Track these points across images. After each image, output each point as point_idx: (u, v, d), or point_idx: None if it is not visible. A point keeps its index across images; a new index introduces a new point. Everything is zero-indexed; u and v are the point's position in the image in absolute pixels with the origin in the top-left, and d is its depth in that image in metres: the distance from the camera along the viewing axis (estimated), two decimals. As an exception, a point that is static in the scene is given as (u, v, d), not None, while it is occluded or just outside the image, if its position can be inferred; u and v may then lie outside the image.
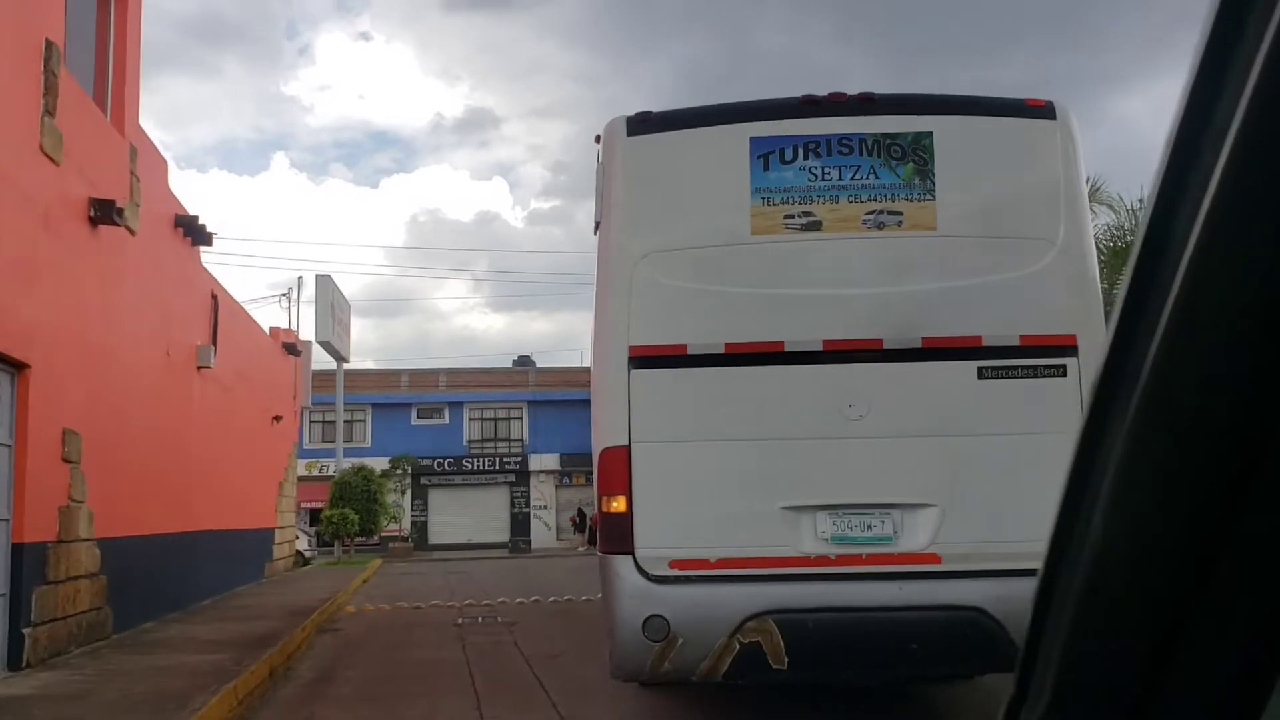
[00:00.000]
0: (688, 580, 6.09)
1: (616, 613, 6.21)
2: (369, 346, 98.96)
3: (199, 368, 15.46)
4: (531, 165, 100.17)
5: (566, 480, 46.63)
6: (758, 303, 6.38)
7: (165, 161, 13.82)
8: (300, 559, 33.12)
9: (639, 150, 6.64)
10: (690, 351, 6.35)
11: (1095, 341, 6.06)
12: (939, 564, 6.03)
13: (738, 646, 5.94)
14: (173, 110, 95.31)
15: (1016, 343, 6.24)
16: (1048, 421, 5.96)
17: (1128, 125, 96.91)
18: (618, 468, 6.27)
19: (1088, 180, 16.18)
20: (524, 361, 51.63)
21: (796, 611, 5.98)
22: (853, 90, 6.60)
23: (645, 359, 6.34)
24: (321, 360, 35.96)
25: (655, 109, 6.75)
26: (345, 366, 37.22)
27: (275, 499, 23.35)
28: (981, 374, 6.21)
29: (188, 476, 14.93)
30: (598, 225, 6.89)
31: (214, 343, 16.15)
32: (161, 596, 13.37)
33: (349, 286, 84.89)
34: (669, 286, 6.39)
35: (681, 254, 6.49)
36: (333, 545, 31.64)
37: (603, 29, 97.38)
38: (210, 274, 16.48)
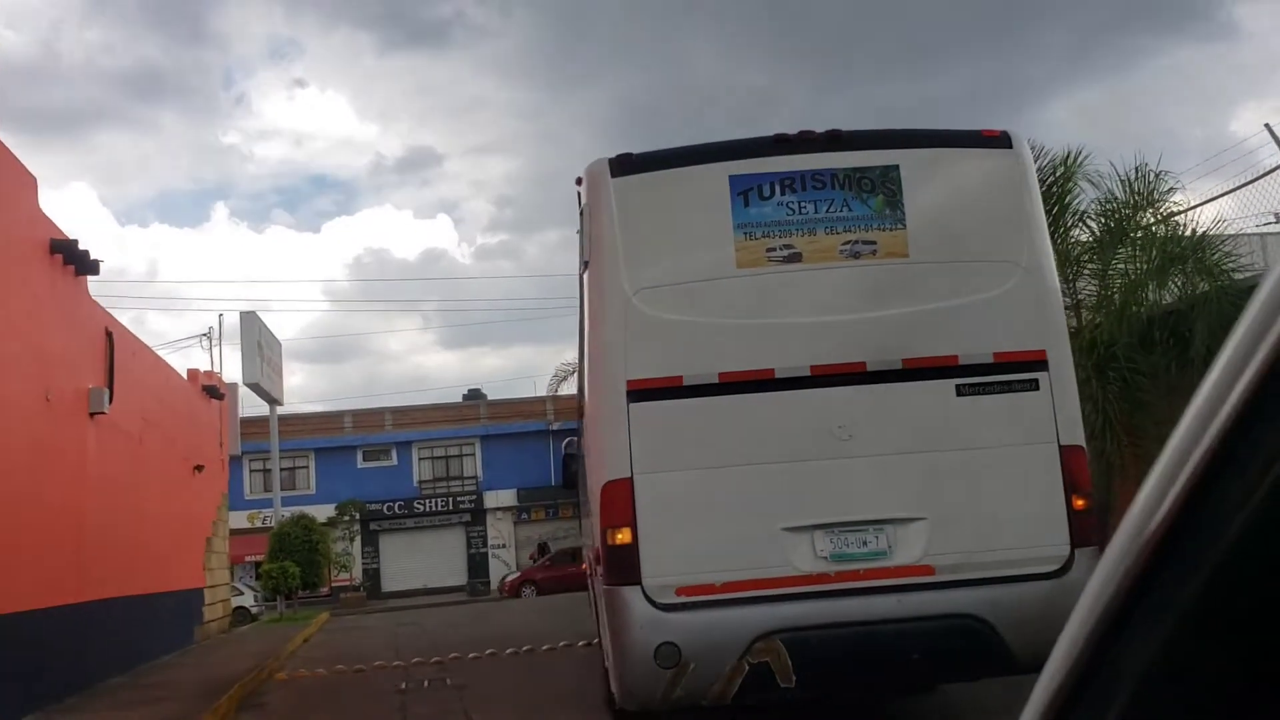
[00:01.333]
0: (696, 606, 6.22)
1: (626, 642, 6.35)
2: (319, 393, 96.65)
3: (92, 414, 13.54)
4: (476, 201, 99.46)
5: (524, 516, 44.71)
6: (747, 332, 6.61)
7: (33, 178, 11.97)
8: (248, 616, 31.03)
9: (625, 191, 6.81)
10: (686, 382, 6.53)
11: (1063, 355, 6.69)
12: (933, 575, 6.26)
13: (747, 668, 6.09)
14: (112, 167, 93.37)
15: (990, 360, 6.53)
16: (1022, 433, 6.43)
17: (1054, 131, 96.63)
18: (621, 500, 6.40)
19: (1069, 155, 15.15)
20: (474, 395, 49.64)
21: (802, 629, 6.16)
22: (820, 128, 6.91)
23: (643, 392, 6.50)
24: (257, 405, 33.93)
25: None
26: (280, 410, 35.23)
27: (203, 556, 21.29)
28: (960, 391, 6.49)
29: (81, 539, 12.99)
30: (585, 265, 7.04)
31: (110, 385, 14.23)
32: (47, 682, 11.41)
33: (294, 331, 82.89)
34: (662, 320, 6.57)
35: (672, 289, 6.68)
36: (277, 601, 29.44)
37: (537, 64, 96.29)
38: (103, 309, 14.60)
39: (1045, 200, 14.83)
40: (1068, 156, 15.01)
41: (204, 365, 24.07)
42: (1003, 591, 6.07)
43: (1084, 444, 6.65)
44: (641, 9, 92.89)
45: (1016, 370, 6.55)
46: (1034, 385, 6.50)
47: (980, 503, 6.41)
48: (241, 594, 34.24)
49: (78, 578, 12.72)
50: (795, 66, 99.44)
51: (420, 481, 45.47)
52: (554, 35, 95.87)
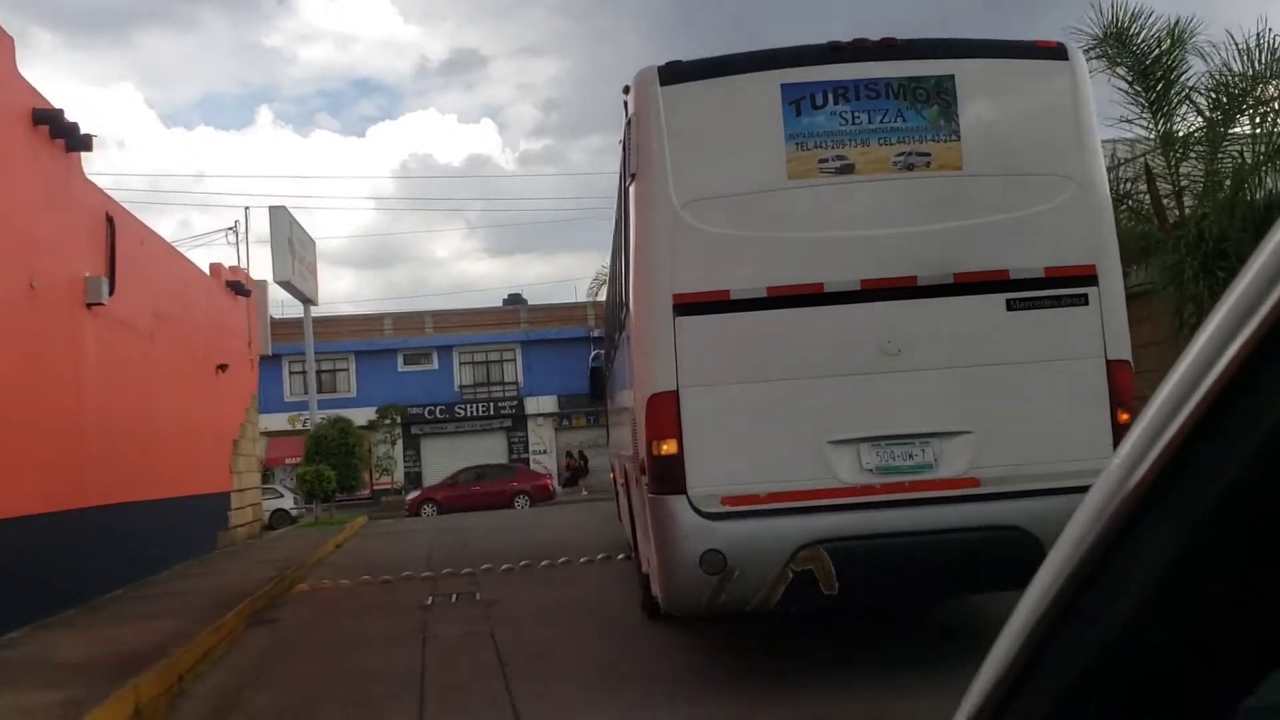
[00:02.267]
0: (740, 515, 6.30)
1: (672, 550, 6.42)
2: (366, 299, 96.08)
3: (89, 305, 12.44)
4: (521, 105, 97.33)
5: (565, 423, 43.86)
6: (797, 245, 6.57)
7: (10, 38, 10.66)
8: (287, 518, 30.50)
9: (674, 100, 6.68)
10: (733, 296, 6.50)
11: (1113, 270, 6.62)
12: (978, 487, 6.32)
13: (791, 575, 6.19)
14: (157, 69, 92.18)
15: (1041, 274, 6.50)
16: (1072, 348, 6.45)
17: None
18: (666, 412, 6.44)
19: (1178, 24, 13.38)
20: (514, 300, 48.47)
21: (846, 539, 6.23)
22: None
23: (690, 306, 6.49)
24: (297, 306, 32.95)
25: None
26: (319, 312, 34.37)
27: (229, 459, 20.46)
28: (1010, 306, 6.48)
29: (79, 440, 12.00)
30: (632, 176, 6.89)
31: (111, 275, 13.10)
32: (40, 594, 10.50)
33: (340, 237, 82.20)
34: (710, 234, 6.51)
35: (721, 201, 6.60)
36: (313, 504, 28.83)
37: None
38: (103, 192, 13.39)
39: (1148, 76, 13.29)
40: (1175, 26, 13.26)
41: (234, 263, 22.93)
42: (1047, 503, 6.01)
43: (1130, 359, 6.58)
44: None
45: (1067, 285, 6.53)
46: (1083, 300, 6.50)
47: (1026, 417, 6.42)
48: (281, 497, 33.84)
49: (75, 482, 11.76)
50: None
51: (461, 386, 44.65)
52: None
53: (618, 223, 8.82)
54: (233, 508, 20.39)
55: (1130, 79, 13.39)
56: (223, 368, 19.56)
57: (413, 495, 33.62)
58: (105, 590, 12.49)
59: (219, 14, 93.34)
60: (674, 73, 6.75)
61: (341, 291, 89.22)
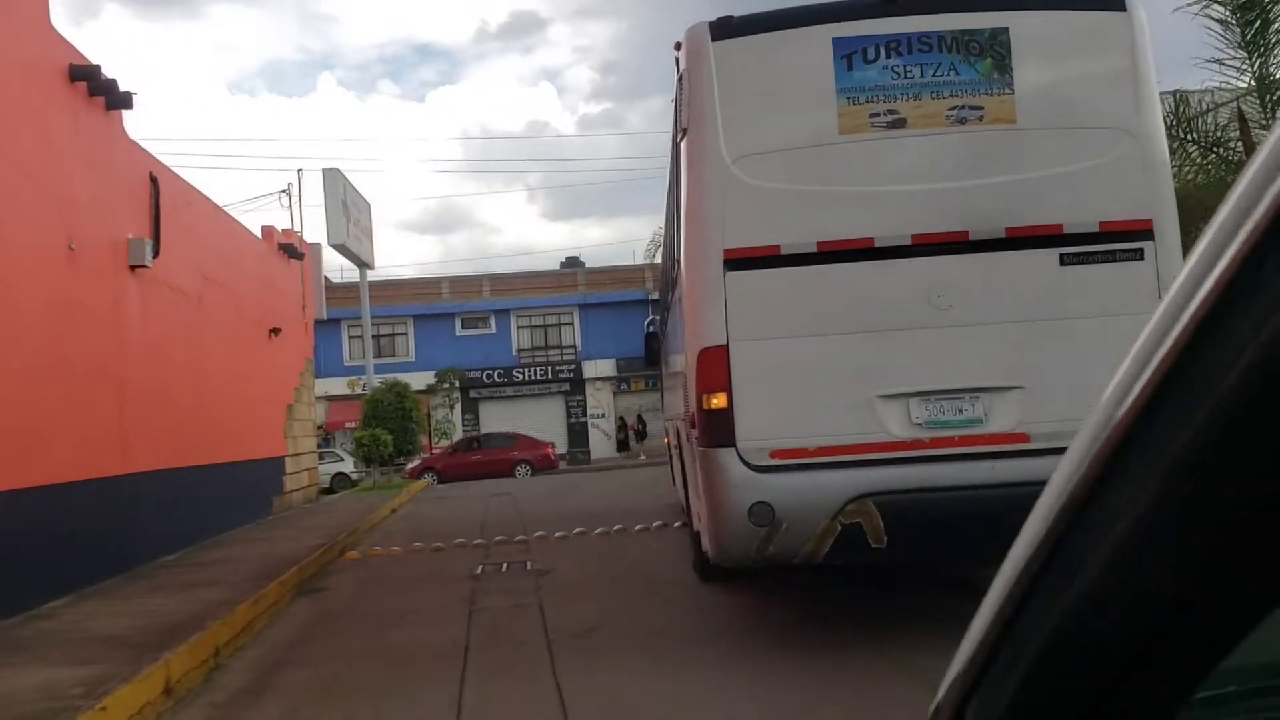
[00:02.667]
0: (789, 468, 6.33)
1: (722, 502, 6.46)
2: (424, 263, 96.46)
3: (133, 268, 12.19)
4: (579, 68, 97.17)
5: (624, 386, 43.47)
6: (848, 200, 6.53)
7: (43, -9, 10.34)
8: (348, 482, 30.48)
9: (725, 55, 6.68)
10: (784, 251, 6.51)
11: (1170, 224, 6.43)
12: (1028, 442, 6.27)
13: (839, 528, 6.20)
14: (222, 36, 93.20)
15: (1096, 229, 6.41)
16: (1127, 303, 6.23)
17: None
18: (717, 366, 6.48)
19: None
20: (572, 263, 48.03)
21: (894, 493, 6.23)
22: None
23: (740, 261, 6.50)
24: (354, 270, 32.74)
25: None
26: (377, 276, 34.25)
27: (283, 423, 20.33)
28: (1063, 260, 6.41)
29: (121, 405, 11.78)
30: (683, 132, 6.91)
31: (155, 237, 12.84)
32: (82, 562, 10.32)
33: (401, 204, 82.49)
34: (761, 189, 6.52)
35: (772, 156, 6.60)
36: (371, 468, 28.79)
37: None
38: (146, 152, 13.10)
39: (1246, 11, 12.28)
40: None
41: (287, 226, 22.71)
42: None
43: None
44: None
45: (1122, 240, 6.44)
46: (1139, 255, 6.41)
47: (1079, 373, 6.03)
48: (341, 460, 33.99)
49: (119, 448, 11.56)
50: None
51: (519, 350, 44.43)
52: None
53: (670, 181, 8.74)
54: (288, 472, 20.30)
55: (1225, 17, 12.42)
56: (275, 332, 19.38)
57: (413, 464, 32.97)
58: (154, 557, 12.34)
59: None
60: (725, 28, 6.74)
61: (404, 257, 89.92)
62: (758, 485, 6.33)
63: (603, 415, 43.65)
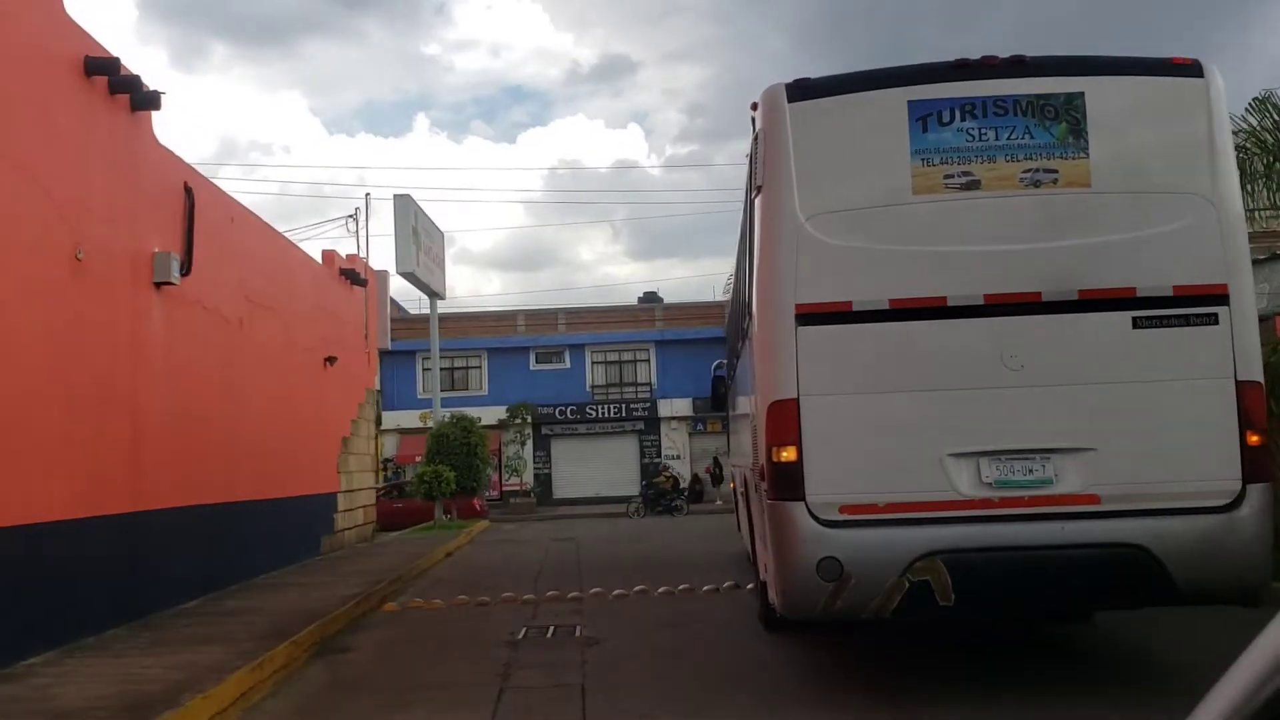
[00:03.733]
0: (858, 524, 6.35)
1: (790, 556, 6.51)
2: (496, 294, 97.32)
3: (158, 284, 11.13)
4: (667, 111, 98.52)
5: (700, 427, 41.92)
6: (920, 260, 6.61)
7: (55, -26, 9.34)
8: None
9: (802, 116, 6.81)
10: (856, 308, 6.58)
11: (1244, 289, 6.50)
12: (1098, 504, 6.27)
13: (907, 585, 6.21)
14: (321, 77, 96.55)
15: (1170, 293, 6.45)
16: (1200, 368, 6.39)
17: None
18: (787, 419, 6.51)
19: None
20: (650, 298, 46.79)
21: (963, 551, 6.24)
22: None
23: (812, 316, 6.57)
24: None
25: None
26: (451, 308, 33.42)
27: (337, 457, 19.25)
28: (1136, 323, 6.44)
29: (137, 434, 10.66)
30: (758, 189, 7.02)
31: (188, 252, 11.79)
32: (85, 608, 9.18)
33: (490, 241, 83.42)
34: (834, 246, 6.61)
35: (845, 215, 6.71)
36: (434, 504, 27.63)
37: None
38: (181, 160, 12.10)
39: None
40: None
41: (357, 253, 21.78)
42: (1169, 523, 6.14)
43: (1261, 379, 6.46)
44: None
45: (1196, 304, 6.45)
46: (1213, 319, 6.42)
47: (1151, 435, 6.38)
48: (411, 497, 33.04)
49: (130, 483, 10.42)
50: None
51: (593, 386, 43.23)
52: None
53: (743, 234, 8.80)
54: (340, 510, 19.19)
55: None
56: (331, 360, 18.33)
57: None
58: (172, 603, 11.19)
59: (381, 24, 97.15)
60: (801, 89, 6.87)
61: (489, 290, 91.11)
62: (827, 540, 6.33)
63: (677, 456, 42.12)
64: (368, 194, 40.83)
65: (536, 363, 43.24)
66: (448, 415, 29.16)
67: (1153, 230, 6.51)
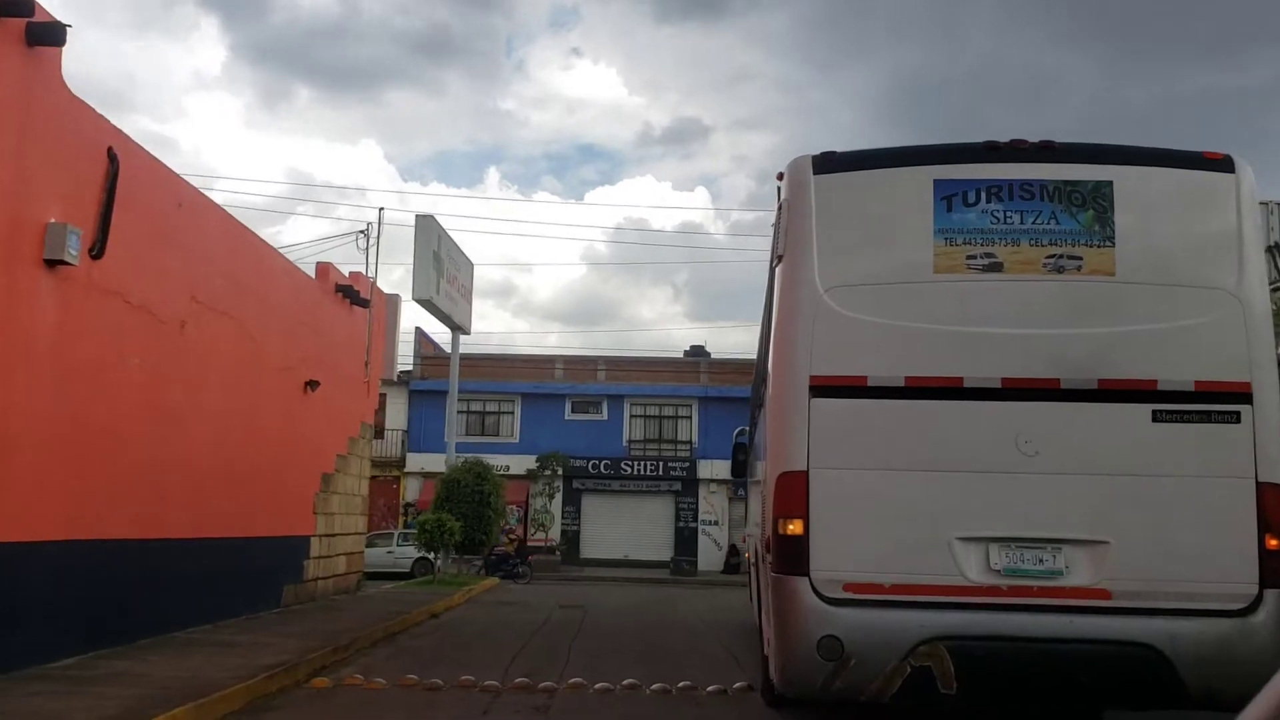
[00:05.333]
0: (862, 603, 6.28)
1: (791, 631, 6.44)
2: (554, 346, 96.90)
3: (49, 263, 8.99)
4: (735, 176, 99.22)
5: (741, 492, 39.17)
6: (939, 339, 6.58)
7: None
8: (429, 569, 26.91)
9: (826, 188, 6.83)
10: (871, 383, 6.56)
11: (1269, 389, 6.41)
12: (1110, 599, 6.18)
13: (909, 669, 6.15)
14: (398, 125, 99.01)
15: (1191, 388, 6.38)
16: (1220, 466, 6.31)
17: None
18: (795, 491, 6.46)
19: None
20: (697, 352, 44.32)
21: (968, 638, 6.18)
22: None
23: (826, 388, 6.54)
24: (470, 340, 29.81)
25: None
26: (486, 347, 31.39)
27: (314, 495, 16.99)
28: (1156, 417, 6.36)
29: (12, 448, 8.45)
30: (779, 258, 7.04)
31: (101, 229, 9.68)
32: None
33: (551, 294, 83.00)
34: (852, 319, 6.59)
35: (865, 289, 6.69)
36: (435, 557, 25.27)
37: (811, 37, 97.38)
38: (102, 118, 9.99)
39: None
40: None
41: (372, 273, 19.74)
42: (1182, 624, 6.04)
43: None
44: None
45: (1218, 400, 6.35)
46: (1235, 418, 6.31)
47: (1167, 532, 6.28)
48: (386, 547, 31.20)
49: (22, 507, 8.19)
50: (1082, 48, 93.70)
51: (630, 440, 40.70)
52: (831, 6, 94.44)
53: (766, 304, 8.63)
54: (313, 555, 16.88)
55: None
56: (312, 384, 16.16)
57: None
58: (40, 660, 8.90)
59: (461, 77, 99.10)
60: (828, 162, 6.90)
61: (548, 342, 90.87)
62: (829, 618, 6.23)
63: (715, 522, 39.40)
64: (381, 209, 38.44)
65: (572, 412, 40.87)
66: (462, 460, 26.84)
67: (1176, 323, 6.44)
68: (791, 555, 6.37)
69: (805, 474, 6.39)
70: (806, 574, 6.30)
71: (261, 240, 14.64)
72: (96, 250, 9.57)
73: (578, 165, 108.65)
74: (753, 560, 10.88)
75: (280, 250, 16.15)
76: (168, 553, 11.51)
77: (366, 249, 19.71)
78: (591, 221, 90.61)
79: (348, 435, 18.62)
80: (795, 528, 6.35)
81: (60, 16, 8.54)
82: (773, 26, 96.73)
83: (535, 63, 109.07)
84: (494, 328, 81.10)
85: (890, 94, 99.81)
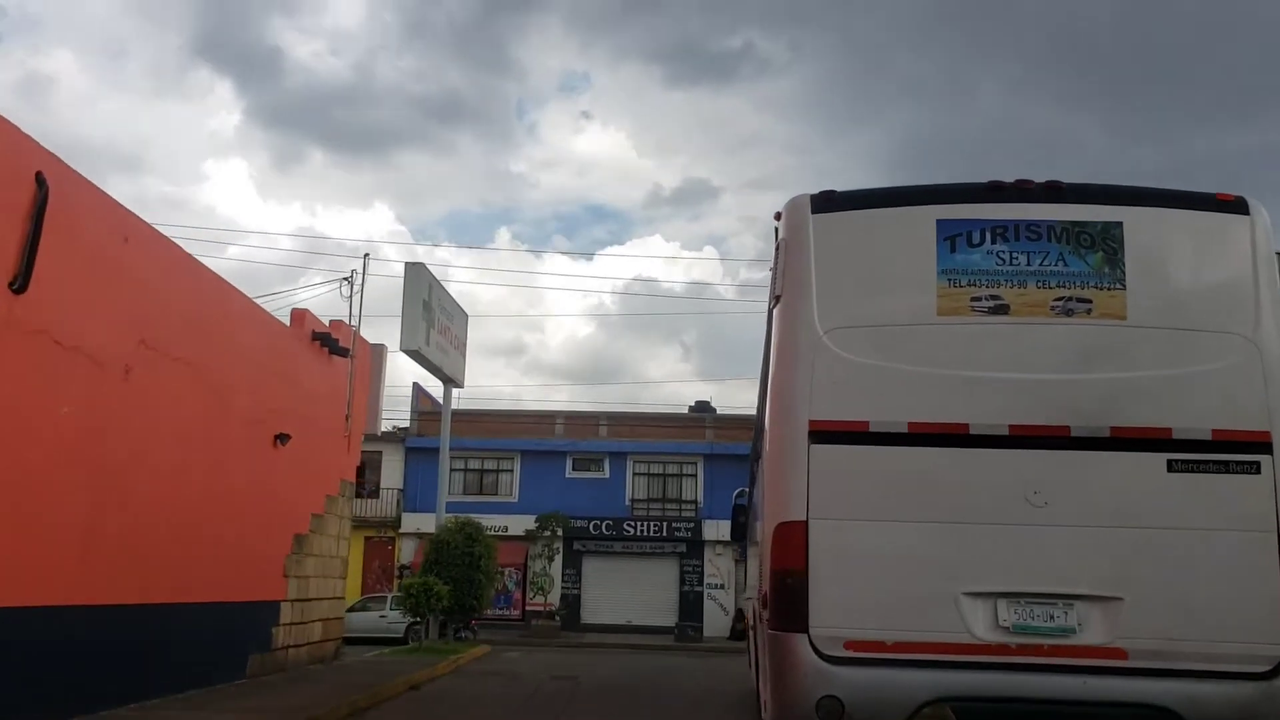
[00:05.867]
0: (863, 662, 6.04)
1: (789, 691, 6.20)
2: (566, 403, 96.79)
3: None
4: (744, 236, 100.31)
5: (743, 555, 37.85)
6: (943, 383, 6.36)
7: None
8: (418, 636, 25.73)
9: (825, 227, 6.68)
10: (872, 429, 6.31)
11: None
12: (1125, 660, 5.95)
13: None
14: (411, 187, 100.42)
15: (1208, 437, 6.17)
16: (1239, 518, 6.05)
17: None
18: (794, 543, 6.21)
19: None
20: (702, 408, 43.18)
21: (975, 699, 5.99)
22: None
23: (825, 434, 6.31)
24: (466, 395, 28.81)
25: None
26: (483, 403, 30.37)
27: (285, 558, 15.87)
28: (1171, 467, 6.16)
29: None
30: (777, 299, 6.87)
31: (27, 261, 8.73)
32: None
33: (560, 353, 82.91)
34: (852, 363, 6.38)
35: (865, 331, 6.49)
36: (422, 624, 24.00)
37: (821, 100, 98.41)
38: (30, 138, 9.05)
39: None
40: None
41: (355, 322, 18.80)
42: (1202, 687, 5.81)
43: None
44: (933, 46, 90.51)
45: (1236, 450, 6.12)
46: (1254, 468, 6.10)
47: (1185, 588, 6.01)
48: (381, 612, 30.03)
49: None
50: (1088, 108, 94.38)
51: (633, 500, 39.41)
52: (840, 70, 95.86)
53: (765, 348, 8.21)
54: (284, 622, 15.72)
55: None
56: (282, 438, 15.12)
57: None
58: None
59: (473, 140, 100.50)
60: (827, 201, 6.71)
61: (557, 398, 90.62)
62: (828, 677, 5.96)
63: (721, 586, 37.99)
64: (366, 254, 37.15)
65: (573, 469, 39.66)
66: (453, 520, 25.65)
67: (1191, 369, 6.25)
68: (789, 610, 6.10)
69: (804, 524, 6.12)
70: (805, 630, 6.03)
71: (227, 282, 13.69)
72: (18, 284, 8.61)
73: (588, 225, 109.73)
74: (751, 623, 10.46)
75: (260, 300, 15.27)
76: (106, 621, 10.40)
77: (350, 296, 18.77)
78: (601, 279, 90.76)
79: (325, 493, 17.54)
80: (794, 581, 6.10)
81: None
82: (782, 90, 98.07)
83: (546, 125, 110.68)
84: (503, 384, 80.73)
85: (900, 154, 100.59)
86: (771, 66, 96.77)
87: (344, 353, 17.61)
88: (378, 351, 20.09)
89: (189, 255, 12.49)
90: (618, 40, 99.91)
